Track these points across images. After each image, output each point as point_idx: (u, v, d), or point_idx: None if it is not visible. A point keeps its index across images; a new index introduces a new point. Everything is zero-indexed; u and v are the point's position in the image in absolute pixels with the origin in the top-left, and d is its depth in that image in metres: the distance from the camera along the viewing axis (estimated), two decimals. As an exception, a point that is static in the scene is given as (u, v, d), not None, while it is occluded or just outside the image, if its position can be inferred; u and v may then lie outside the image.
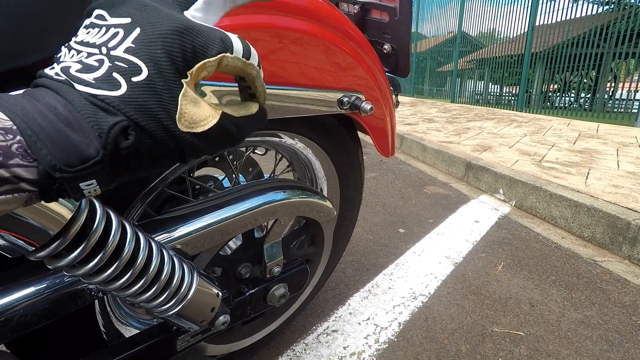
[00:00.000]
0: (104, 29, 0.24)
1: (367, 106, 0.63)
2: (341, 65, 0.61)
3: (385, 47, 0.79)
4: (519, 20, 6.22)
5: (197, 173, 0.78)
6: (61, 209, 0.30)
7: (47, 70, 0.23)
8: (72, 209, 0.31)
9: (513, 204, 1.98)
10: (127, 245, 0.37)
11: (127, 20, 0.24)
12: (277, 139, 0.71)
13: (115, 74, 0.22)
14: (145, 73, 0.22)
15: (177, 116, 0.23)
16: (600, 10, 5.35)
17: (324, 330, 0.99)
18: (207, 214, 0.55)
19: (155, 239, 0.46)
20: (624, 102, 5.64)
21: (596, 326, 1.04)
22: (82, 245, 0.33)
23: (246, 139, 0.52)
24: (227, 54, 0.25)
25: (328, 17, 0.58)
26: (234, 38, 0.26)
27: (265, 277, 0.69)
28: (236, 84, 0.31)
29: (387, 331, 0.99)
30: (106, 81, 0.22)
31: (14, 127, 0.19)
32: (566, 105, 6.35)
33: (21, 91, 0.22)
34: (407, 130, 3.56)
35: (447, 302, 1.13)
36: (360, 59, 0.65)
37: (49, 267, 0.33)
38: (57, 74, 0.22)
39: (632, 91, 5.27)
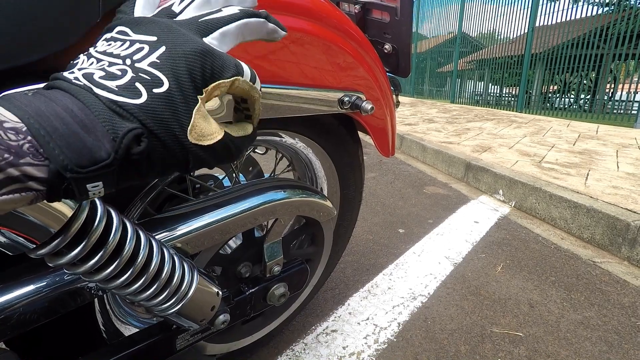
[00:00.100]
0: (127, 42, 0.26)
1: (367, 106, 0.63)
2: (342, 65, 0.61)
3: (386, 47, 0.79)
4: (519, 21, 6.23)
5: (197, 172, 0.78)
6: (62, 206, 0.30)
7: (66, 74, 0.24)
8: (73, 207, 0.31)
9: (513, 205, 1.98)
10: (127, 243, 0.37)
11: (154, 38, 0.26)
12: (277, 139, 0.71)
13: (137, 84, 0.24)
14: (166, 86, 0.24)
15: (188, 128, 0.25)
16: (600, 11, 5.36)
17: (324, 330, 0.99)
18: (207, 212, 0.55)
19: (156, 237, 0.46)
20: (624, 103, 5.64)
21: (595, 327, 1.04)
22: (83, 243, 0.33)
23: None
24: (239, 77, 0.28)
25: (329, 17, 0.58)
26: (244, 65, 0.29)
27: (265, 276, 0.69)
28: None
29: (386, 331, 0.99)
30: (128, 89, 0.23)
31: (25, 128, 0.19)
32: (566, 106, 6.35)
33: (29, 89, 0.23)
34: (407, 130, 3.57)
35: (446, 302, 1.13)
36: (361, 58, 0.65)
37: (50, 264, 0.33)
38: (76, 78, 0.23)
39: (632, 92, 5.28)
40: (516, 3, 6.28)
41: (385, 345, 0.94)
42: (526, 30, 5.92)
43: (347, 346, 0.93)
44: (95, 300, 0.55)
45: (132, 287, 0.39)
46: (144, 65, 0.24)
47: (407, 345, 0.95)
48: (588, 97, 6.36)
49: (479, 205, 1.98)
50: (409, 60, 0.78)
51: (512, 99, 7.02)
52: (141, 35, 0.26)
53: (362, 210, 1.84)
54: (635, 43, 4.89)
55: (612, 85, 6.23)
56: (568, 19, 5.51)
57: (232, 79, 0.27)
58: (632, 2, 4.99)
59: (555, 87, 6.91)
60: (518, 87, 6.22)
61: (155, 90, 0.24)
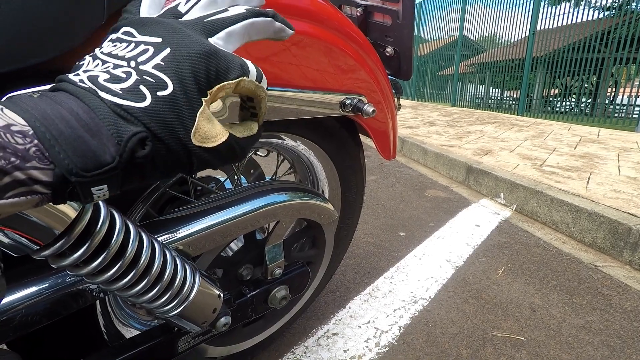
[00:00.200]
0: (133, 44, 0.26)
1: (369, 109, 0.64)
2: (343, 68, 0.62)
3: (388, 49, 0.79)
4: (520, 25, 6.24)
5: (199, 174, 0.79)
6: (66, 208, 0.30)
7: (71, 76, 0.24)
8: (77, 208, 0.31)
9: (514, 208, 1.97)
10: (130, 245, 0.37)
11: (158, 39, 0.26)
12: (279, 141, 0.71)
13: (141, 87, 0.24)
14: (170, 89, 0.24)
15: (192, 131, 0.25)
16: (601, 15, 5.37)
17: (325, 333, 0.99)
18: (209, 215, 0.55)
19: (158, 239, 0.46)
20: (625, 107, 5.64)
21: (597, 332, 1.03)
22: (86, 245, 0.33)
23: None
24: (245, 78, 0.28)
25: (331, 20, 0.59)
26: (250, 64, 0.29)
27: (266, 279, 0.69)
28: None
29: (387, 335, 0.99)
30: (132, 92, 0.23)
31: (31, 132, 0.20)
32: (567, 109, 6.35)
33: (35, 90, 0.23)
34: (408, 133, 3.57)
35: (447, 306, 1.12)
36: (362, 61, 0.65)
37: (53, 266, 0.33)
38: (81, 80, 0.23)
39: (633, 96, 5.27)
40: (517, 6, 6.30)
41: (387, 349, 0.94)
42: (527, 34, 5.94)
43: (348, 349, 0.93)
44: (97, 302, 0.55)
45: (135, 289, 0.39)
46: (148, 67, 0.24)
47: (408, 348, 0.95)
48: (589, 100, 6.35)
49: (480, 209, 1.98)
50: (411, 63, 0.78)
51: (513, 102, 7.01)
52: (146, 36, 0.26)
53: (363, 213, 1.84)
54: (637, 47, 4.89)
55: (614, 89, 6.22)
56: (569, 22, 5.52)
57: (237, 80, 0.27)
58: (633, 6, 5.00)
59: (557, 91, 6.91)
60: (519, 91, 6.23)
61: (160, 93, 0.24)
